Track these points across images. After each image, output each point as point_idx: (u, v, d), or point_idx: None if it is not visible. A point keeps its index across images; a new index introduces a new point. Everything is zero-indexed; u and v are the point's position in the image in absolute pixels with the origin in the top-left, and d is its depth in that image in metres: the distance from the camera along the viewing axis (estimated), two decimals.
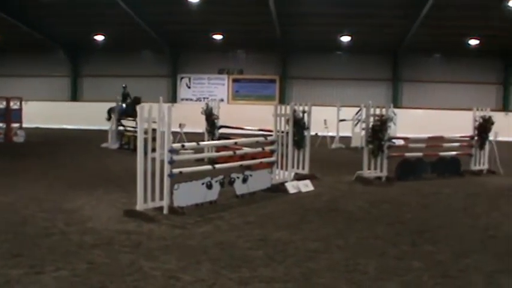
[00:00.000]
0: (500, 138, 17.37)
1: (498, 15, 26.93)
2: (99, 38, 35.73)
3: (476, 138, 16.48)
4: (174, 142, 11.69)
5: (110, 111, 24.38)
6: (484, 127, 16.47)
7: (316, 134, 21.90)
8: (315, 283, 6.63)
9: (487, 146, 16.68)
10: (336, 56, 35.84)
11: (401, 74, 35.48)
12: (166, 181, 9.92)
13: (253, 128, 16.67)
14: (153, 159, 9.99)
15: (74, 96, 39.10)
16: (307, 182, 13.16)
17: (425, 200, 12.25)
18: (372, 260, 7.58)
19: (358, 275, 6.98)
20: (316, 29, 31.44)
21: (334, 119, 24.82)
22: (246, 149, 13.59)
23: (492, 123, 16.54)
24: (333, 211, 10.82)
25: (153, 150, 10.06)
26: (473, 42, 32.17)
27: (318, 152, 19.67)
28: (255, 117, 23.85)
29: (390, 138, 15.22)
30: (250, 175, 11.69)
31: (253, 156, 13.34)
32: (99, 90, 36.88)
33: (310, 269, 7.11)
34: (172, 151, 10.04)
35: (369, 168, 14.45)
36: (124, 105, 24.83)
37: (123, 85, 26.75)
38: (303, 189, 12.73)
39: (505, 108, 34.54)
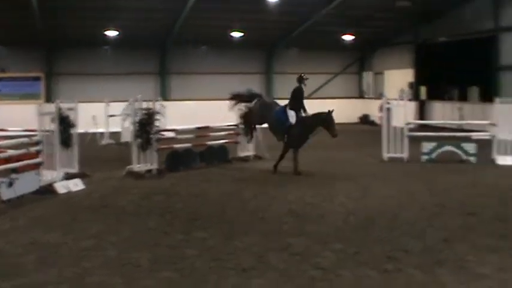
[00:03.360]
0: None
1: (260, 9, 28.24)
2: None
3: (240, 126, 17.12)
4: None
5: None
6: (248, 115, 17.17)
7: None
8: (90, 282, 6.64)
9: (254, 133, 17.37)
10: (103, 51, 35.36)
11: (170, 66, 35.86)
12: None
13: (18, 129, 16.01)
14: None
15: None
16: (77, 180, 12.97)
17: (195, 189, 12.64)
18: (145, 252, 7.73)
19: (132, 268, 7.10)
20: (81, 23, 30.67)
21: (104, 115, 24.52)
22: (11, 152, 13.01)
23: None
24: (105, 208, 10.82)
25: None
26: (238, 34, 33.40)
27: (88, 149, 19.38)
28: (20, 118, 22.73)
29: (158, 131, 15.41)
30: (17, 178, 11.28)
31: (18, 159, 12.83)
32: None
33: (84, 268, 7.10)
34: None
35: (139, 162, 14.54)
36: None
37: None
38: (73, 189, 12.52)
39: None
